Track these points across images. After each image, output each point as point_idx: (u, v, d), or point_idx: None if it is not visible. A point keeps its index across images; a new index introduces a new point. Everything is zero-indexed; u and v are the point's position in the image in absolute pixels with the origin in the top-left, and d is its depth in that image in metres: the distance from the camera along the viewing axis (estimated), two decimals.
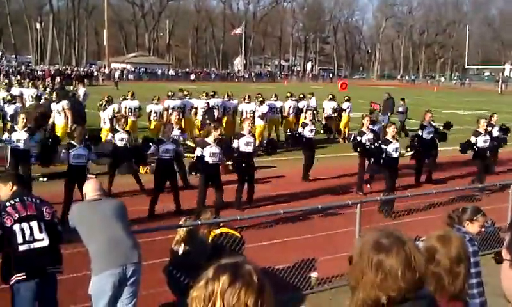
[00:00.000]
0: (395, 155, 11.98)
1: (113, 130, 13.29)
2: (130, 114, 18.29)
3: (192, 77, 78.28)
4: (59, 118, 16.54)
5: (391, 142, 11.97)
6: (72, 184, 10.15)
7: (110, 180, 12.19)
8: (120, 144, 12.55)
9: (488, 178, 13.89)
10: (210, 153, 10.52)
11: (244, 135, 11.55)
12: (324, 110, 22.51)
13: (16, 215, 5.22)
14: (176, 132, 12.85)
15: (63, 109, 16.63)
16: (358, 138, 13.42)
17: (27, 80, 35.65)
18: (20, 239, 5.17)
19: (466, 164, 15.96)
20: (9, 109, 17.10)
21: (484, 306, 4.73)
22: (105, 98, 17.64)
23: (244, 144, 11.46)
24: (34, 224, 5.26)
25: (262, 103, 19.90)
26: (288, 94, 22.01)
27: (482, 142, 13.74)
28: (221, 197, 10.72)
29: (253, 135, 11.72)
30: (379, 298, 1.90)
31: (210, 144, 10.60)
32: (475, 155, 13.92)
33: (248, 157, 11.61)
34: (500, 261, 1.94)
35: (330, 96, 22.71)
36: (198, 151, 10.66)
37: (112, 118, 16.43)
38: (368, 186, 13.83)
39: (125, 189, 12.46)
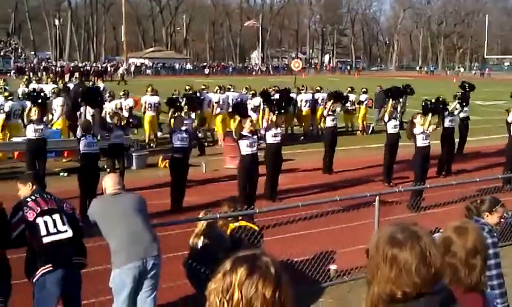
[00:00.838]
0: (424, 142, 11.86)
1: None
2: (149, 109, 18.39)
3: (207, 71, 77.28)
4: (56, 113, 16.59)
5: (420, 131, 11.85)
6: (85, 174, 10.41)
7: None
8: (115, 141, 12.36)
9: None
10: (247, 144, 10.63)
11: (245, 136, 10.76)
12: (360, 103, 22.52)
13: (38, 208, 5.26)
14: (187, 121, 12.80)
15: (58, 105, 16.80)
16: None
17: (48, 75, 36.09)
18: (43, 231, 5.18)
19: (490, 155, 15.86)
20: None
21: (504, 296, 4.70)
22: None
23: (246, 146, 10.72)
24: (56, 217, 5.29)
25: (254, 96, 19.80)
26: (302, 87, 21.89)
27: None
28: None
29: (254, 134, 11.05)
30: (394, 293, 1.89)
31: (246, 136, 10.69)
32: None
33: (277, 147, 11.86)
34: None
35: (349, 89, 22.28)
36: (243, 145, 10.69)
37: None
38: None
39: (146, 184, 12.53)
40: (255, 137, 10.90)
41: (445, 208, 10.79)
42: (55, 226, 5.25)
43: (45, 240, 5.17)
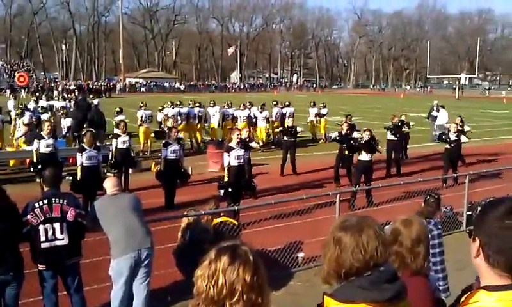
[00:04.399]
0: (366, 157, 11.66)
1: (115, 135, 12.61)
2: (145, 122, 18.25)
3: (182, 87, 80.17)
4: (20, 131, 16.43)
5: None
6: (86, 184, 9.84)
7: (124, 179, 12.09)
8: (121, 146, 12.19)
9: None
10: (235, 156, 9.77)
11: (233, 148, 9.82)
12: (310, 115, 22.43)
13: (42, 216, 5.24)
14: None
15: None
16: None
17: (59, 93, 35.90)
18: (43, 238, 5.23)
19: (431, 159, 16.03)
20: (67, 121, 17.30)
21: (446, 279, 4.77)
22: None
23: (234, 158, 9.82)
24: (57, 225, 5.28)
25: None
26: (275, 103, 21.93)
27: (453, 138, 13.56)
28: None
29: (243, 147, 10.00)
30: (339, 271, 1.93)
31: (234, 148, 9.80)
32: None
33: (239, 169, 9.93)
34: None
35: (312, 103, 22.77)
36: (226, 158, 9.82)
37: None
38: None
39: (142, 185, 12.45)
40: (243, 150, 9.88)
41: (395, 203, 10.92)
42: (54, 233, 5.26)
43: (43, 245, 5.23)
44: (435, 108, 22.89)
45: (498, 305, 1.58)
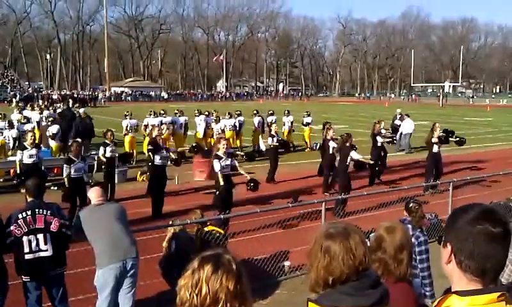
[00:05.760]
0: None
1: (104, 144, 12.59)
2: (130, 131, 18.18)
3: (165, 96, 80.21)
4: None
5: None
6: (73, 195, 10.02)
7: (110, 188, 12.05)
8: (109, 155, 12.29)
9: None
10: (223, 165, 9.75)
11: (221, 157, 9.80)
12: (284, 125, 21.89)
13: (26, 228, 5.21)
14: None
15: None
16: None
17: (44, 103, 35.64)
18: (26, 249, 5.19)
19: (414, 167, 16.14)
20: (54, 128, 17.16)
21: (432, 285, 4.82)
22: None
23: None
24: (40, 236, 5.25)
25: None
26: (255, 112, 21.73)
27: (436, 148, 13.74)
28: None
29: (229, 156, 10.07)
30: (327, 278, 1.93)
31: (222, 157, 9.79)
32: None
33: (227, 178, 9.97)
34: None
35: (286, 112, 22.34)
36: (217, 165, 9.75)
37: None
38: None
39: (128, 195, 12.38)
40: (229, 159, 9.89)
41: (380, 211, 10.96)
42: (37, 244, 5.23)
43: (27, 256, 5.19)
44: (398, 116, 22.47)
45: None
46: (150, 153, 11.61)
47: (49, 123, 18.14)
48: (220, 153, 9.85)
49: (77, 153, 10.28)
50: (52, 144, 16.80)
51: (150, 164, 11.99)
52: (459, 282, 1.68)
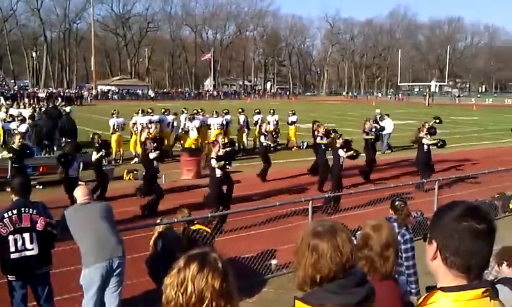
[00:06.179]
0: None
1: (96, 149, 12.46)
2: (117, 130, 18.08)
3: (152, 94, 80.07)
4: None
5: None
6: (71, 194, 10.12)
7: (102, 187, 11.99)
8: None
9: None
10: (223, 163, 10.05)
11: (221, 157, 10.17)
12: (269, 123, 21.27)
13: (12, 227, 5.17)
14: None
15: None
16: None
17: (30, 101, 35.32)
18: (12, 248, 5.16)
19: (401, 166, 16.22)
20: (22, 128, 16.73)
21: (417, 283, 4.86)
22: None
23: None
24: (26, 235, 5.22)
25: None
26: (240, 110, 21.60)
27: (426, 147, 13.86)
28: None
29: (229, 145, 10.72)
30: (315, 276, 1.93)
31: (221, 157, 10.10)
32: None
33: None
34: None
35: (272, 111, 22.01)
36: (213, 161, 9.98)
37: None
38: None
39: (115, 194, 12.31)
40: (222, 162, 10.08)
41: (366, 209, 11.01)
42: (23, 244, 5.20)
43: (13, 255, 5.17)
44: (378, 117, 22.43)
45: (455, 305, 1.62)
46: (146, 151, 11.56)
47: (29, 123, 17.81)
48: (214, 155, 10.04)
49: (72, 152, 10.79)
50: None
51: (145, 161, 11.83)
52: (445, 278, 1.69)
